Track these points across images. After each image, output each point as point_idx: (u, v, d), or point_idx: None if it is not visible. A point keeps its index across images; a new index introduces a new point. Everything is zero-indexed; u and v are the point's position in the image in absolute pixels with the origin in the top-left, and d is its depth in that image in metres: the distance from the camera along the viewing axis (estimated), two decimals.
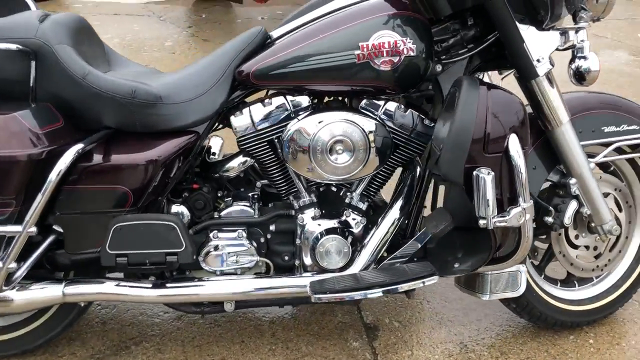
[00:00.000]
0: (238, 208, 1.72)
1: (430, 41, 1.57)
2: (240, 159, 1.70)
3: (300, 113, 1.62)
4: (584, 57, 1.58)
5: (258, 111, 1.62)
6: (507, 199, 1.49)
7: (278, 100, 1.62)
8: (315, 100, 1.65)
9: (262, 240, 1.69)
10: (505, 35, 1.55)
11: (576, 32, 1.58)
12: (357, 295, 1.55)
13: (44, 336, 1.75)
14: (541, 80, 1.60)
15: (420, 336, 1.93)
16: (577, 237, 1.84)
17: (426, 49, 1.55)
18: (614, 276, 1.98)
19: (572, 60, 1.61)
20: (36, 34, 1.49)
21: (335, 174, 1.61)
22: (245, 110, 1.63)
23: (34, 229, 1.49)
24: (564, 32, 1.60)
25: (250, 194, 1.75)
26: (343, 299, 1.56)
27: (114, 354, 1.82)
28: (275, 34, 1.66)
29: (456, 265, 1.61)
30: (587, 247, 1.86)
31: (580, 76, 1.60)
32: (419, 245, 1.65)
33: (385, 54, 1.51)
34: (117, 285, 1.62)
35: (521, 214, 1.47)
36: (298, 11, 1.68)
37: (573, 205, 1.73)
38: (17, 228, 1.48)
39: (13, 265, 1.52)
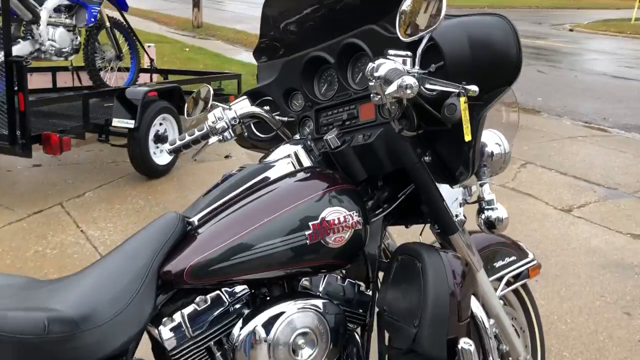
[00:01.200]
0: None
1: (365, 208, 1.53)
2: None
3: (239, 306, 1.40)
4: (493, 209, 1.70)
5: (192, 315, 1.35)
6: None
7: (214, 297, 1.38)
8: (252, 289, 1.45)
9: None
10: (427, 195, 1.59)
11: (481, 186, 1.71)
12: None
13: None
14: (460, 233, 1.66)
15: None
16: None
17: (365, 216, 1.50)
18: None
19: (480, 212, 1.72)
20: None
21: None
22: (177, 316, 1.34)
23: None
24: (465, 187, 1.72)
25: None
26: None
27: None
28: (194, 219, 1.43)
29: None
30: None
31: (491, 225, 1.71)
32: None
33: (336, 231, 1.42)
34: None
35: None
36: (215, 195, 1.48)
37: (495, 345, 1.79)
38: None
39: None
